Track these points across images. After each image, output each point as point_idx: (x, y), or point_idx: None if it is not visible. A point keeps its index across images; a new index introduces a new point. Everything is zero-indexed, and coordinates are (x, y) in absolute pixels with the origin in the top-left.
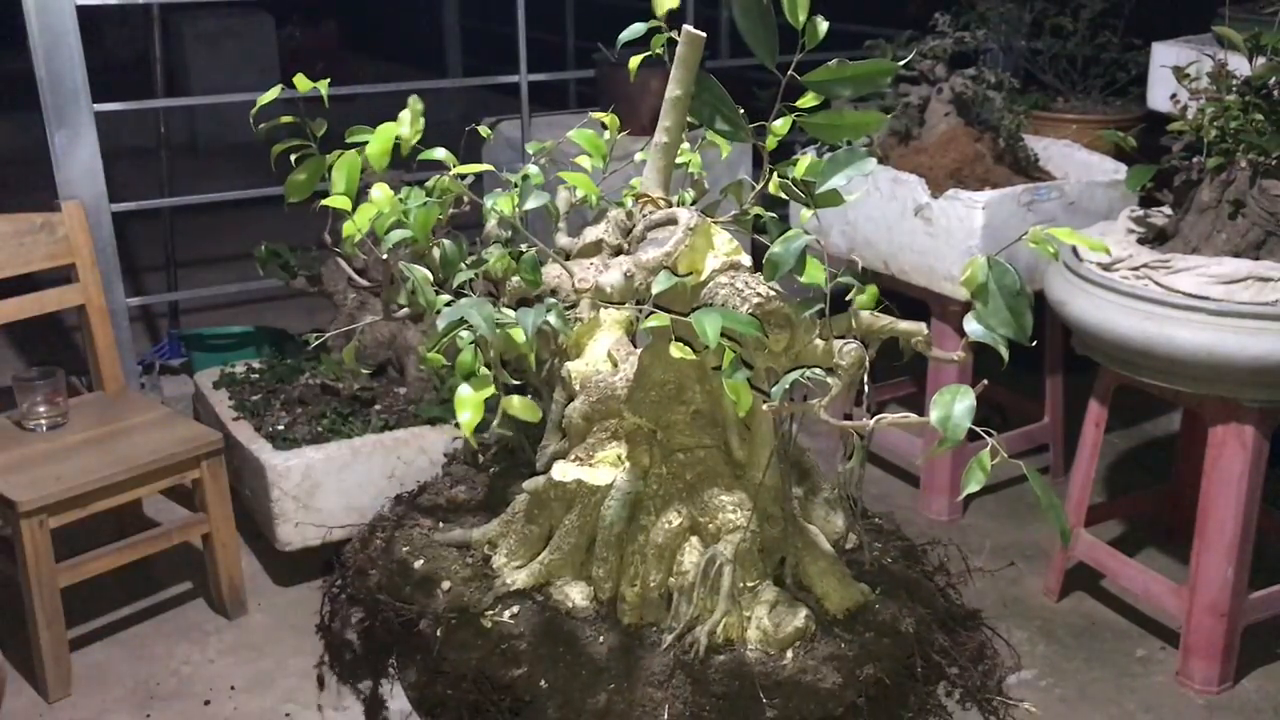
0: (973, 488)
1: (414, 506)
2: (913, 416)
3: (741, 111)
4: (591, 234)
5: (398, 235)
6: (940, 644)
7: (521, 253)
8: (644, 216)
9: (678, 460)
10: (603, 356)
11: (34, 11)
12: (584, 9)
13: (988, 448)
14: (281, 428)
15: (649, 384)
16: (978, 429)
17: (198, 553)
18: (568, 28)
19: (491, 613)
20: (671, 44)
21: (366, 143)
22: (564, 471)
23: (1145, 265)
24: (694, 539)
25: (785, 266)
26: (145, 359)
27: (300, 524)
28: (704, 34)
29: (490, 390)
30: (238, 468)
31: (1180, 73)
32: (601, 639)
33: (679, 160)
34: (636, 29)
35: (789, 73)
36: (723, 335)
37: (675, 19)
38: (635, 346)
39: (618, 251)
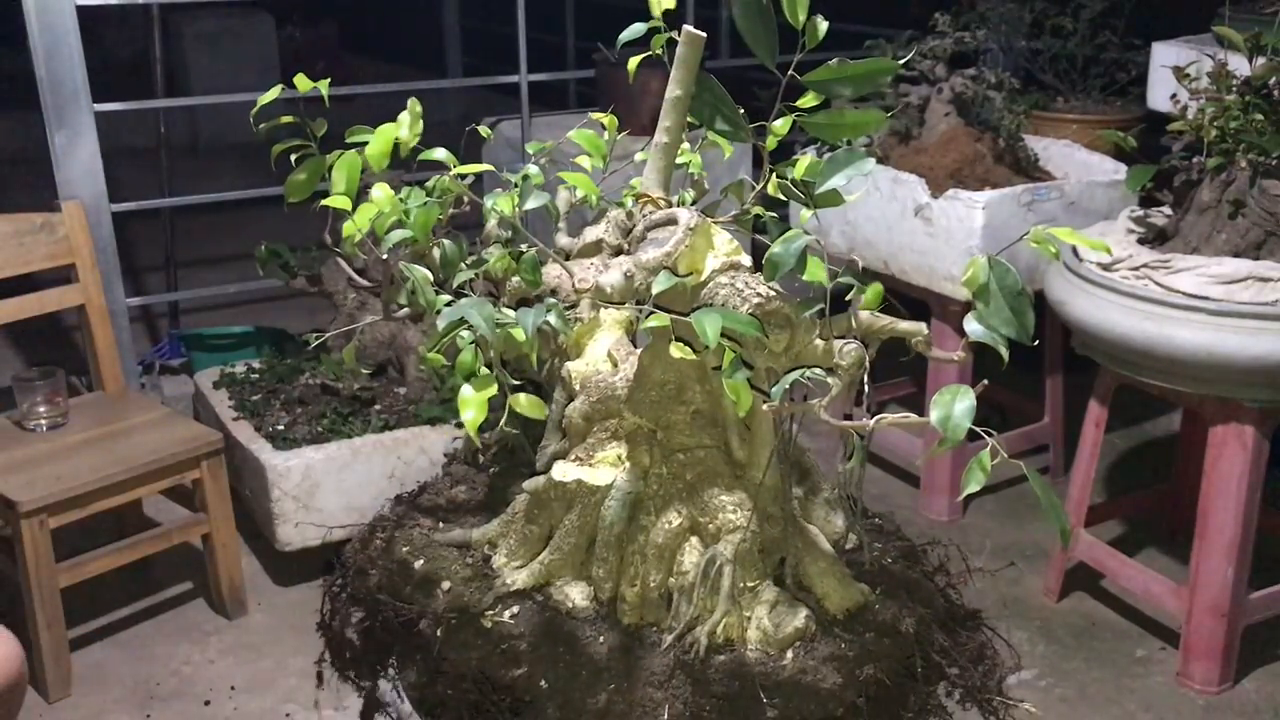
0: (973, 488)
1: (414, 506)
2: (913, 416)
3: (741, 111)
4: (591, 234)
5: (398, 235)
6: (940, 644)
7: (521, 253)
8: (644, 216)
9: (678, 460)
10: (603, 356)
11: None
12: (584, 9)
13: (988, 448)
14: (281, 428)
15: (649, 384)
16: (978, 429)
17: (198, 553)
18: (568, 28)
19: (491, 613)
20: (671, 44)
21: (366, 143)
22: (564, 471)
23: (1145, 265)
24: (694, 539)
25: (785, 266)
26: (145, 359)
27: (300, 524)
28: (704, 34)
29: (493, 390)
30: (238, 468)
31: (1180, 73)
32: (601, 639)
33: (679, 160)
34: (636, 29)
35: (789, 73)
36: (723, 335)
37: (675, 19)
38: (635, 346)
39: (618, 251)
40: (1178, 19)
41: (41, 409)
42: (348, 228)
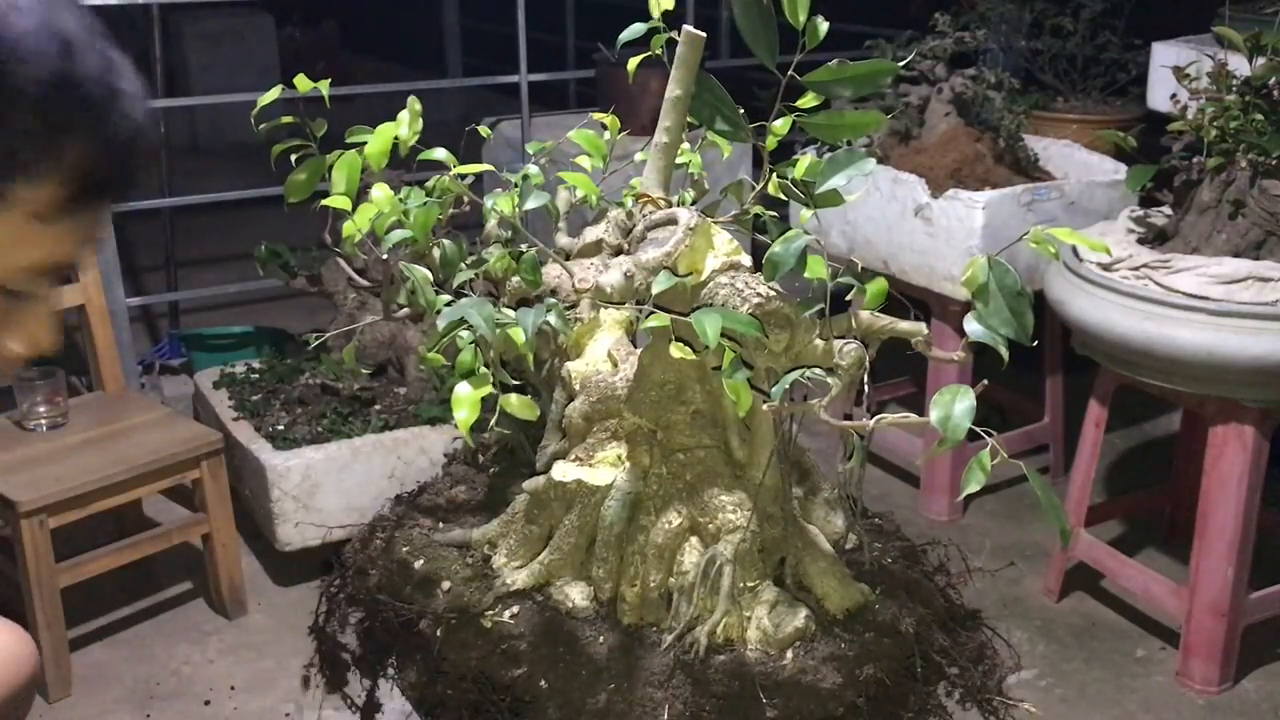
0: (973, 488)
1: (414, 506)
2: (913, 416)
3: (741, 111)
4: (591, 234)
5: (398, 235)
6: (940, 644)
7: (521, 253)
8: (644, 216)
9: (678, 460)
10: (603, 356)
11: None
12: (584, 9)
13: (988, 448)
14: (281, 428)
15: (649, 384)
16: (978, 429)
17: (198, 553)
18: (568, 28)
19: (491, 613)
20: (671, 44)
21: (366, 143)
22: (564, 471)
23: (1145, 265)
24: (694, 539)
25: (785, 266)
26: (145, 359)
27: (300, 524)
28: (704, 34)
29: (488, 389)
30: (238, 468)
31: (1180, 73)
32: (601, 639)
33: (679, 160)
34: (636, 29)
35: (789, 73)
36: (723, 335)
37: (675, 19)
38: (635, 346)
39: (618, 251)
40: (1178, 19)
41: (41, 409)
42: (348, 228)
